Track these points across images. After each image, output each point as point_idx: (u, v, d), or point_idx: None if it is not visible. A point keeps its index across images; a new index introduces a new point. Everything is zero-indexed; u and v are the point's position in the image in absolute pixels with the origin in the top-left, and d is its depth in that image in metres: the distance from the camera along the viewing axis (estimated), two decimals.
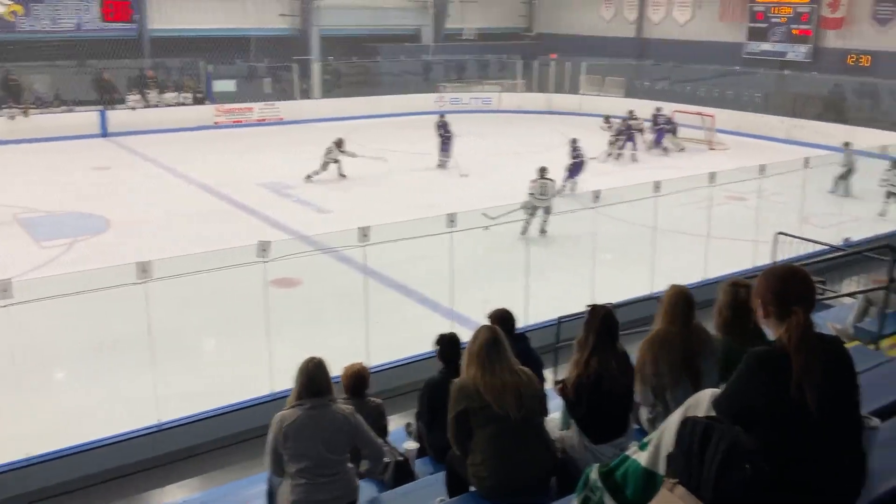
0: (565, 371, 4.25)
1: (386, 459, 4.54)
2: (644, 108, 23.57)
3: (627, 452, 2.73)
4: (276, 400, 7.03)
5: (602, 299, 8.65)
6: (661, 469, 2.52)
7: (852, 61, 25.10)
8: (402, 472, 4.49)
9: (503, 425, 3.62)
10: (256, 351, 7.55)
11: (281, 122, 25.80)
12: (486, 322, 4.64)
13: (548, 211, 13.41)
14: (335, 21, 28.37)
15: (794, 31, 26.48)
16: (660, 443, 2.56)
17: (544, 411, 3.86)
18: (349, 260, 9.35)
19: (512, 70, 31.13)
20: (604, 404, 3.89)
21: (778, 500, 2.26)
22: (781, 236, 10.44)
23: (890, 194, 14.78)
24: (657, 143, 22.11)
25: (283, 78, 28.04)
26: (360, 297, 8.18)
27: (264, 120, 25.83)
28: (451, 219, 8.58)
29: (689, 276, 8.83)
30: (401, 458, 4.55)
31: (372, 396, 5.18)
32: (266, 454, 4.03)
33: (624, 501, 2.63)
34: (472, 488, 3.85)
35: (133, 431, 6.67)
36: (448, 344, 4.78)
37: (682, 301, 4.13)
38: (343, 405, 4.12)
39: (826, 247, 10.37)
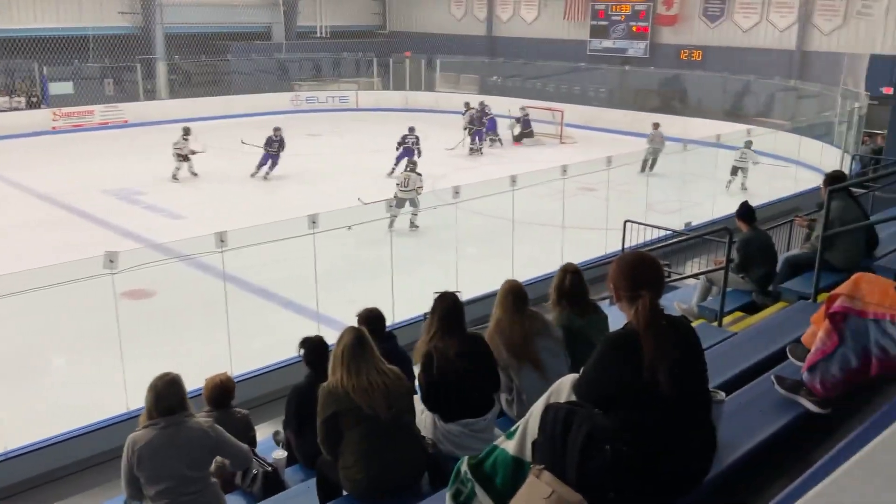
0: None
1: (254, 471, 4.42)
2: (498, 105, 24.18)
3: (496, 442, 2.79)
4: (132, 419, 6.67)
5: (468, 292, 8.81)
6: (529, 456, 2.58)
7: (685, 56, 26.83)
8: (272, 483, 4.38)
9: (373, 425, 3.60)
10: (110, 368, 7.15)
11: (125, 125, 24.54)
12: (355, 323, 4.61)
13: (413, 204, 13.52)
14: (180, 18, 27.17)
15: (633, 29, 27.97)
16: (525, 431, 2.63)
17: (413, 409, 3.87)
18: (207, 267, 9.01)
19: (367, 68, 31.06)
20: (445, 384, 3.97)
21: (637, 478, 2.37)
22: (629, 223, 10.99)
23: (736, 169, 16.74)
24: (477, 140, 22.01)
25: (125, 79, 26.64)
26: (220, 304, 7.92)
27: (107, 123, 24.46)
28: (313, 219, 8.46)
29: (546, 265, 9.13)
30: (269, 469, 4.44)
31: (238, 407, 5.02)
32: (122, 479, 3.82)
33: (494, 491, 2.68)
34: (345, 492, 3.81)
35: None
36: (313, 348, 4.70)
37: (511, 292, 4.36)
38: (201, 419, 3.96)
39: (670, 232, 11.01)
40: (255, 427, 5.15)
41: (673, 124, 22.28)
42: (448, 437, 3.97)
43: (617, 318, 2.79)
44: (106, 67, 25.96)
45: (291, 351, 5.03)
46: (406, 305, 8.30)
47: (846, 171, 14.57)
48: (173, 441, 3.73)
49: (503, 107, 24.34)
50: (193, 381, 4.28)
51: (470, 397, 4.01)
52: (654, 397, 2.42)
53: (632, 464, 2.33)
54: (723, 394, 3.02)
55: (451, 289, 4.50)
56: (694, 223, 13.02)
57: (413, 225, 13.55)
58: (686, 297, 7.54)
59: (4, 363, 6.53)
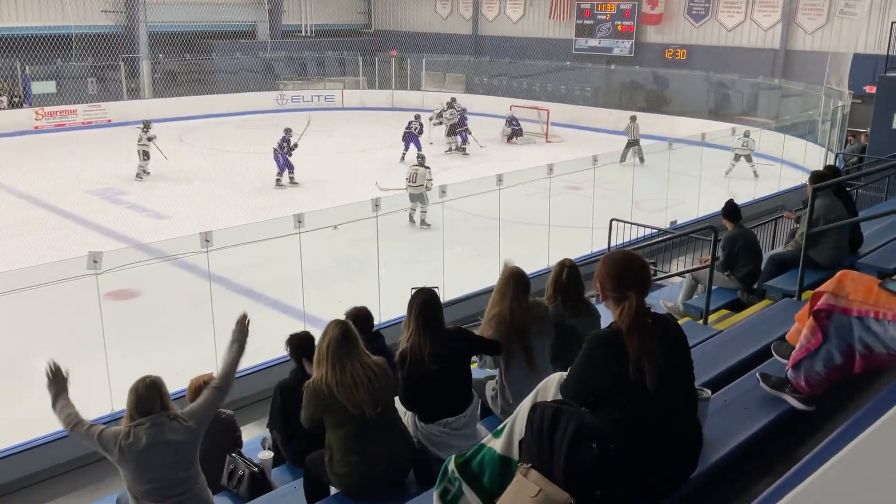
0: None
1: (240, 472, 4.40)
2: (484, 104, 24.22)
3: (483, 441, 2.79)
4: (116, 419, 6.63)
5: (455, 291, 8.80)
6: (516, 455, 2.59)
7: (670, 55, 26.97)
8: (258, 483, 4.35)
9: (359, 423, 3.59)
10: (94, 369, 7.09)
11: (109, 125, 24.37)
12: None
13: (422, 200, 13.56)
14: (164, 17, 27.00)
15: (618, 28, 28.08)
16: (513, 429, 2.63)
17: (391, 394, 3.85)
18: (192, 267, 8.97)
19: (353, 67, 30.99)
20: (420, 385, 3.94)
21: (624, 476, 2.38)
22: (615, 222, 11.03)
23: (738, 156, 17.89)
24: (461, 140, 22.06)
25: (109, 77, 26.45)
26: (205, 304, 7.87)
27: (90, 122, 24.29)
28: (299, 219, 8.44)
29: (533, 263, 9.15)
30: (255, 469, 4.41)
31: (223, 408, 4.99)
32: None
33: (482, 489, 2.68)
34: (333, 490, 3.80)
35: None
36: (299, 343, 4.67)
37: (513, 279, 4.29)
38: (182, 416, 3.90)
39: (655, 230, 11.06)
40: (241, 428, 5.12)
41: (657, 123, 22.39)
42: (429, 438, 3.95)
43: (609, 316, 2.79)
44: (89, 66, 25.76)
45: (278, 351, 5.01)
46: (393, 305, 8.30)
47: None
48: (157, 441, 3.69)
49: (489, 106, 24.38)
50: (179, 383, 4.25)
51: (446, 397, 3.98)
52: (641, 395, 2.43)
53: (619, 462, 2.33)
54: (708, 391, 3.03)
55: (438, 289, 4.48)
56: (679, 221, 13.09)
57: (424, 223, 13.53)
58: (672, 296, 7.57)
59: None
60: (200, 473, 3.90)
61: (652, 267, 8.97)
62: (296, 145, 17.11)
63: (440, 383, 3.92)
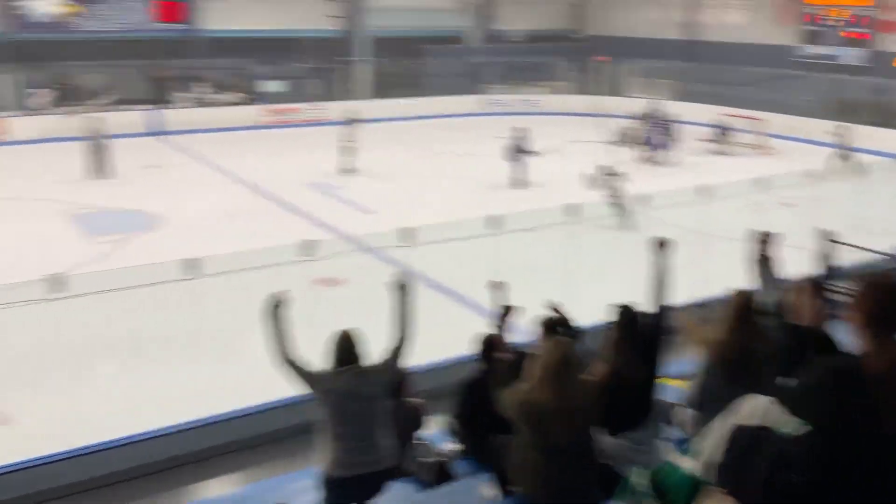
0: None
1: (428, 460, 4.54)
2: (694, 112, 23.30)
3: (670, 458, 2.70)
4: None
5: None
6: (707, 476, 2.48)
7: None
8: (442, 473, 4.48)
9: (554, 451, 3.51)
10: (301, 349, 7.60)
11: (327, 123, 26.06)
12: (534, 325, 4.61)
13: (620, 206, 13.58)
14: (382, 22, 28.51)
15: (848, 35, 25.88)
16: (706, 450, 2.52)
17: (597, 419, 3.76)
18: (394, 261, 9.37)
19: (559, 72, 30.95)
20: (621, 399, 3.85)
21: None
22: (833, 243, 10.17)
23: None
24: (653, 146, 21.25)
25: (330, 79, 28.30)
26: None
27: (311, 120, 26.09)
28: (498, 221, 8.55)
29: (737, 282, 8.65)
30: (442, 459, 4.54)
31: (411, 397, 5.17)
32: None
33: None
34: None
35: (178, 425, 6.77)
36: (490, 345, 4.74)
37: (746, 307, 4.07)
38: (375, 370, 4.13)
39: (884, 255, 10.08)
40: (427, 418, 5.28)
41: (886, 138, 20.46)
42: (612, 451, 3.86)
43: None
44: (313, 68, 27.73)
45: (465, 347, 5.10)
46: (588, 312, 8.20)
47: None
48: (351, 390, 3.99)
49: (700, 114, 23.40)
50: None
51: (629, 410, 3.89)
52: (870, 434, 2.18)
53: (821, 495, 2.15)
54: None
55: (632, 299, 4.38)
56: None
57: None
58: None
59: (208, 339, 7.13)
60: (388, 425, 4.09)
61: None
62: (535, 152, 17.41)
63: (628, 397, 3.84)
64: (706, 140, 22.45)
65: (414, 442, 4.79)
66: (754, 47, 28.41)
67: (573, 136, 24.03)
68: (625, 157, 19.91)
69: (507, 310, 4.80)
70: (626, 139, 20.83)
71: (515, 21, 32.61)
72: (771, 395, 2.69)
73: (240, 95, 26.36)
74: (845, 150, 17.24)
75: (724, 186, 11.03)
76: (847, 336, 2.49)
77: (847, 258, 10.07)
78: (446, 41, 31.13)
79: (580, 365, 3.63)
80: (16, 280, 8.03)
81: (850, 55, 25.78)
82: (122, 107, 23.87)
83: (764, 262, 4.93)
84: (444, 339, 8.63)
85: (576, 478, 3.56)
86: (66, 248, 12.44)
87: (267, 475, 6.19)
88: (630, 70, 29.87)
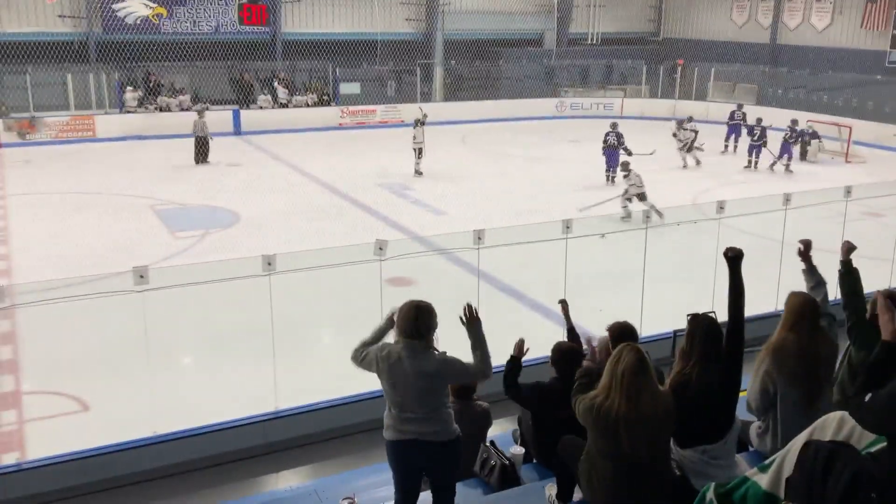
0: None
1: (492, 462, 4.55)
2: (775, 117, 22.61)
3: (747, 474, 2.64)
4: (376, 398, 7.17)
5: (722, 314, 8.34)
6: (783, 493, 2.41)
7: None
8: (508, 476, 4.48)
9: (631, 462, 3.46)
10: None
11: (402, 125, 26.32)
12: (602, 333, 4.57)
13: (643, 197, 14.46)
14: (459, 25, 28.66)
15: None
16: (782, 466, 2.45)
17: (671, 431, 3.70)
18: (463, 262, 9.41)
19: (636, 75, 30.51)
20: (696, 411, 3.76)
21: None
22: None
23: None
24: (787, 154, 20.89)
25: (405, 81, 28.58)
26: (472, 299, 8.21)
27: (386, 122, 26.41)
28: (567, 225, 8.49)
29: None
30: (507, 462, 4.55)
31: (479, 400, 5.19)
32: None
33: None
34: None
35: (251, 417, 6.96)
36: (564, 354, 4.72)
37: (806, 308, 3.96)
38: (438, 353, 4.18)
39: None
40: (494, 421, 5.29)
41: None
42: (684, 464, 3.79)
43: None
44: (389, 70, 28.07)
45: (536, 352, 5.08)
46: (653, 320, 8.07)
47: None
48: (405, 363, 4.05)
49: (783, 120, 22.67)
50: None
51: (708, 423, 3.80)
52: None
53: None
54: None
55: (702, 309, 4.30)
56: None
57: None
58: None
59: (281, 335, 7.30)
60: (447, 405, 4.18)
61: None
62: (630, 152, 17.37)
63: (704, 409, 3.76)
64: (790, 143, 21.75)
65: (481, 444, 4.81)
66: (842, 52, 27.42)
67: (652, 140, 23.65)
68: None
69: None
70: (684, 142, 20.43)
71: (593, 24, 32.30)
72: (835, 401, 2.61)
73: (317, 97, 26.86)
74: None
75: (806, 194, 10.68)
76: None
77: None
78: (523, 44, 31.04)
79: (653, 372, 3.54)
80: (100, 272, 8.41)
81: None
82: (209, 107, 24.62)
83: (809, 266, 4.82)
84: (512, 344, 8.64)
85: (646, 489, 3.49)
86: (148, 242, 12.93)
87: (336, 470, 6.31)
88: (708, 74, 29.17)
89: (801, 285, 5.09)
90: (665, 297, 9.80)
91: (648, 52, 32.05)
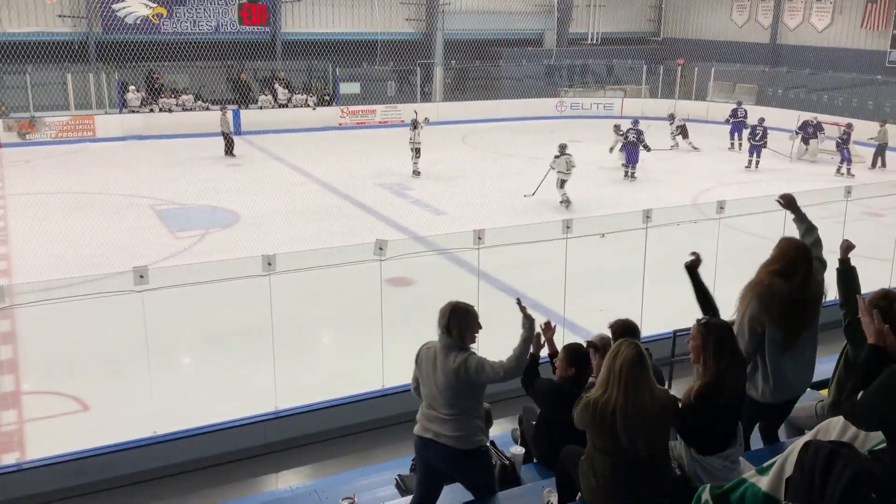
0: (679, 386, 4.13)
1: (493, 462, 4.54)
2: (776, 117, 22.64)
3: (745, 476, 2.64)
4: (387, 396, 7.17)
5: (723, 314, 8.33)
6: (783, 495, 2.41)
7: None
8: (508, 476, 4.48)
9: (629, 459, 3.44)
10: (370, 347, 7.72)
11: (402, 125, 26.29)
12: (604, 332, 4.56)
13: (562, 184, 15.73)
14: (459, 25, 28.64)
15: None
16: (783, 468, 2.45)
17: (667, 440, 3.68)
18: (463, 262, 9.41)
19: (636, 75, 30.50)
20: (728, 417, 3.78)
21: None
22: None
23: None
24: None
25: (405, 81, 28.57)
26: (472, 299, 8.21)
27: (386, 122, 26.39)
28: (567, 224, 8.49)
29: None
30: (507, 462, 4.54)
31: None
32: None
33: None
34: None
35: (251, 417, 6.96)
36: (572, 353, 4.71)
37: (800, 257, 4.14)
38: (471, 355, 4.17)
39: None
40: (494, 421, 5.28)
41: None
42: (706, 470, 3.75)
43: None
44: (390, 70, 28.06)
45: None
46: (654, 320, 8.06)
47: None
48: (437, 358, 4.12)
49: (782, 120, 22.71)
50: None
51: (730, 429, 3.81)
52: None
53: None
54: None
55: (700, 312, 4.31)
56: None
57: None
58: None
59: (281, 335, 7.30)
60: (477, 414, 4.20)
61: None
62: (650, 149, 17.50)
63: (734, 415, 3.78)
64: (791, 140, 21.78)
65: None
66: (842, 52, 27.43)
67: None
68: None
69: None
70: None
71: (593, 24, 32.29)
72: (832, 402, 2.63)
73: (317, 97, 26.85)
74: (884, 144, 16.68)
75: (806, 194, 10.65)
76: None
77: None
78: (523, 44, 31.03)
79: (650, 368, 3.53)
80: (100, 272, 8.40)
81: None
82: (209, 107, 24.69)
83: (799, 214, 4.95)
84: (511, 344, 8.63)
85: (644, 488, 3.48)
86: (148, 242, 12.93)
87: (336, 470, 6.31)
88: (708, 73, 29.15)
89: None
90: (665, 297, 9.80)
91: (648, 52, 32.03)
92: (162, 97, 24.66)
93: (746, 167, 20.10)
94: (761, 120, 20.76)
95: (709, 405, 3.70)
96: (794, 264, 4.09)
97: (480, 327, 4.27)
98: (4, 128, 21.96)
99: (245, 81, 25.95)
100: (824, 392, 4.94)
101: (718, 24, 31.84)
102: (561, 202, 15.77)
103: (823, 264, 4.66)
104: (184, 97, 25.00)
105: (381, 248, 7.32)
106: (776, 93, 28.01)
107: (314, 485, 5.50)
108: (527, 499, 4.15)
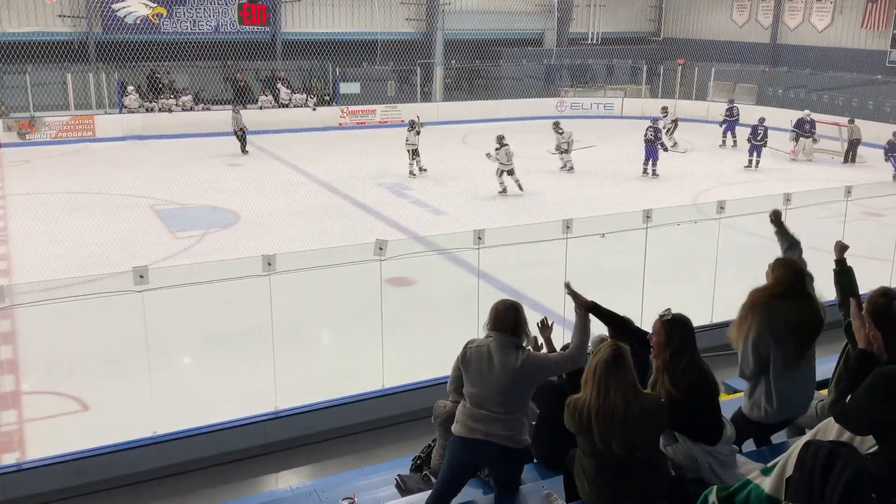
0: None
1: None
2: (777, 116, 22.65)
3: (749, 477, 2.65)
4: (387, 396, 7.17)
5: (722, 315, 8.35)
6: (784, 495, 2.42)
7: None
8: None
9: (608, 460, 3.45)
10: (370, 347, 7.72)
11: (402, 125, 26.25)
12: (601, 332, 4.56)
13: (511, 173, 16.57)
14: (460, 25, 28.63)
15: None
16: (784, 469, 2.46)
17: (655, 444, 3.68)
18: (463, 262, 9.41)
19: (637, 75, 30.49)
20: (714, 403, 3.85)
21: None
22: None
23: None
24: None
25: (406, 81, 28.57)
26: (472, 298, 8.22)
27: (386, 122, 26.38)
28: (567, 224, 8.48)
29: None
30: None
31: None
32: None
33: None
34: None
35: (251, 417, 6.96)
36: None
37: (796, 279, 4.18)
38: (527, 352, 4.14)
39: None
40: None
41: None
42: (719, 459, 3.79)
43: None
44: (389, 70, 28.05)
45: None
46: (653, 320, 8.05)
47: None
48: (493, 357, 4.02)
49: (782, 120, 22.69)
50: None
51: (720, 415, 3.87)
52: None
53: None
54: None
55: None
56: None
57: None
58: None
59: (281, 334, 7.30)
60: (525, 413, 4.15)
61: None
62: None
63: (717, 402, 3.84)
64: (791, 139, 21.78)
65: None
66: (842, 51, 27.44)
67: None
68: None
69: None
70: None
71: (593, 24, 32.28)
72: (830, 403, 2.65)
73: (317, 97, 26.84)
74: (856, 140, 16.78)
75: (806, 194, 10.68)
76: None
77: None
78: (523, 44, 31.02)
79: (630, 369, 3.49)
80: (100, 272, 8.40)
81: None
82: (210, 107, 24.71)
83: (783, 231, 4.99)
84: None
85: (633, 489, 3.47)
86: (148, 242, 12.93)
87: (336, 470, 6.31)
88: (708, 73, 29.14)
89: None
90: (665, 297, 9.78)
91: (648, 52, 32.03)
92: (162, 97, 24.65)
93: (746, 167, 20.11)
94: (761, 120, 20.76)
95: (703, 396, 3.75)
96: (791, 286, 4.12)
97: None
98: (4, 128, 21.96)
99: (241, 81, 25.92)
100: (824, 392, 4.94)
101: (718, 24, 31.83)
102: (500, 192, 16.72)
103: (811, 278, 4.69)
104: (183, 98, 24.99)
105: (381, 248, 7.32)
106: (776, 93, 28.01)
107: (314, 485, 5.50)
108: (527, 499, 4.15)
